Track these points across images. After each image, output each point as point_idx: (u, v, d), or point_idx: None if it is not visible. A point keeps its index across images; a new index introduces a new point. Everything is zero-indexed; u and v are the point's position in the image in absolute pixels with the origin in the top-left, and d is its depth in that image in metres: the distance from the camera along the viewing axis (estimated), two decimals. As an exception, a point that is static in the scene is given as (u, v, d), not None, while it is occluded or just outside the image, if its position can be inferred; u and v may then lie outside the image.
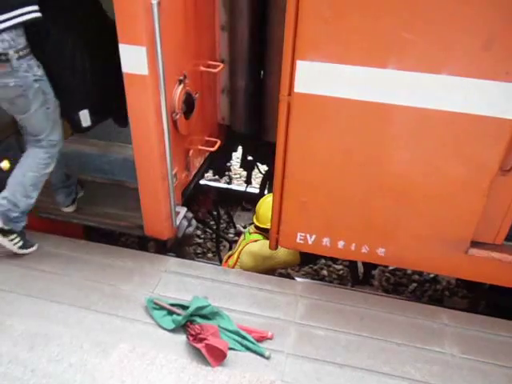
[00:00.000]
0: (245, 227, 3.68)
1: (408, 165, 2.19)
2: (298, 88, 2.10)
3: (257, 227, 3.31)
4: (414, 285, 4.21)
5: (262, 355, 2.14)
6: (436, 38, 1.87)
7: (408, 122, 2.08)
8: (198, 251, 4.60)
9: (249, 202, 4.91)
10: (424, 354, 2.21)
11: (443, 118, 2.01)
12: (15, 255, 2.66)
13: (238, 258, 3.21)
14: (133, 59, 2.17)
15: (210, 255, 4.58)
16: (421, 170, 2.18)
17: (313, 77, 2.06)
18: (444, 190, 2.20)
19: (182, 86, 2.51)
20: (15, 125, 3.26)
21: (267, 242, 3.01)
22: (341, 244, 2.48)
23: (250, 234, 3.34)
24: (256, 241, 3.22)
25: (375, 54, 1.97)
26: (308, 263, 4.08)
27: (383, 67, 1.97)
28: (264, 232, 3.25)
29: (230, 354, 2.10)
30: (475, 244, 2.32)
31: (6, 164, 3.14)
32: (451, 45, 1.87)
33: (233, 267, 3.21)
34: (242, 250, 3.23)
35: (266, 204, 3.28)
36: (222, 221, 4.74)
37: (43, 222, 3.00)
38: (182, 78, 2.51)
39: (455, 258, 2.36)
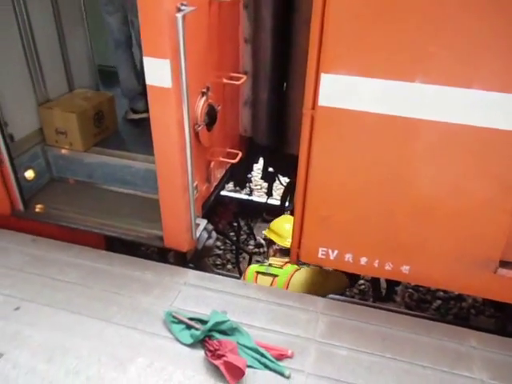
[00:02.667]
0: (265, 239, 3.63)
1: (433, 181, 2.13)
2: (322, 102, 2.07)
3: (269, 240, 3.34)
4: (439, 302, 4.09)
5: (281, 374, 2.08)
6: (464, 51, 1.82)
7: (434, 137, 2.03)
8: (218, 262, 4.58)
9: (269, 213, 4.87)
10: (451, 379, 2.12)
11: (470, 133, 1.95)
12: (37, 264, 2.67)
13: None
14: (157, 72, 2.18)
15: (229, 266, 4.55)
16: (446, 186, 2.11)
17: (337, 90, 2.03)
18: (470, 208, 2.12)
19: (204, 98, 2.51)
20: (41, 134, 3.34)
21: (314, 269, 3.04)
22: (363, 260, 2.42)
23: (281, 268, 3.14)
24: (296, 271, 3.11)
25: (401, 67, 1.93)
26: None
27: (409, 81, 1.93)
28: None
29: (248, 372, 2.05)
30: (505, 264, 2.23)
31: (30, 173, 3.20)
32: (480, 58, 1.81)
33: None
34: (285, 283, 3.07)
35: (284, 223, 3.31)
36: (242, 232, 4.71)
37: (65, 232, 3.02)
38: (205, 90, 2.51)
39: (483, 277, 2.27)
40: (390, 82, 1.95)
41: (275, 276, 3.08)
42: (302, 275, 3.06)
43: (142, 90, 3.85)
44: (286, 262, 3.16)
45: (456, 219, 2.16)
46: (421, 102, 1.96)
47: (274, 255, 3.34)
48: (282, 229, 3.31)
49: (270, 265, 3.19)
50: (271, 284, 3.06)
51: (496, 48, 1.78)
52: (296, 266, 3.11)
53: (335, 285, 3.11)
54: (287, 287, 3.01)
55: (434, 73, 1.89)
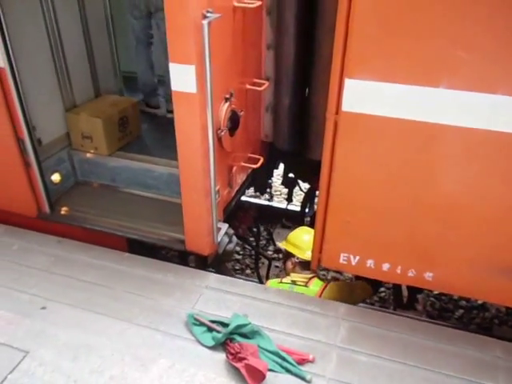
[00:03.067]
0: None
1: (456, 187, 2.11)
2: (346, 107, 2.07)
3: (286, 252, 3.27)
4: (461, 311, 4.02)
5: (303, 378, 2.08)
6: (490, 56, 1.81)
7: (459, 143, 2.01)
8: (237, 267, 4.59)
9: (289, 219, 4.87)
10: (476, 389, 2.09)
11: (495, 139, 1.92)
12: (62, 265, 2.73)
13: None
14: (182, 77, 2.22)
15: (248, 271, 4.56)
16: (469, 192, 2.09)
17: (361, 95, 2.03)
18: (496, 214, 2.09)
19: (228, 103, 2.54)
20: (67, 139, 3.42)
21: (340, 283, 3.05)
22: (386, 266, 2.40)
23: (305, 285, 3.06)
24: (325, 286, 3.05)
25: (425, 72, 1.92)
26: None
27: (434, 86, 1.92)
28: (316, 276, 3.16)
29: (269, 375, 2.06)
30: (531, 272, 2.19)
31: (57, 177, 3.28)
32: (506, 63, 1.80)
33: None
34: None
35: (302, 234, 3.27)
36: (261, 238, 4.72)
37: (88, 234, 3.08)
38: (228, 95, 2.55)
39: (508, 285, 2.23)
40: (413, 87, 1.95)
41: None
42: (330, 293, 2.98)
43: (157, 87, 4.09)
44: (311, 278, 3.10)
45: (481, 225, 2.14)
46: (445, 107, 1.95)
47: (293, 268, 3.24)
48: (301, 240, 3.23)
49: (293, 282, 3.09)
50: None
51: (523, 52, 1.77)
52: (321, 283, 3.06)
53: (361, 295, 3.09)
54: None
55: (458, 78, 1.88)
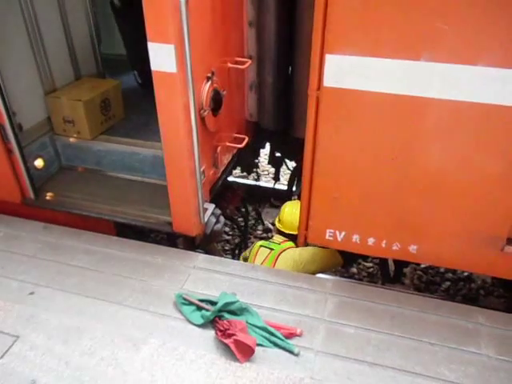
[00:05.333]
0: (273, 224, 3.64)
1: (441, 160, 2.12)
2: (327, 82, 2.07)
3: (283, 233, 3.28)
4: (448, 283, 4.10)
5: (291, 352, 2.12)
6: (471, 27, 1.80)
7: (442, 116, 2.02)
8: (226, 248, 4.62)
9: (277, 198, 4.89)
10: (459, 355, 2.14)
11: (479, 110, 1.94)
12: (49, 251, 2.73)
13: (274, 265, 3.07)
14: (161, 57, 2.19)
15: (238, 252, 4.59)
16: (455, 165, 2.11)
17: (342, 71, 2.02)
18: (479, 186, 2.12)
19: (209, 83, 2.52)
20: (49, 124, 3.37)
21: (308, 247, 2.99)
22: (371, 241, 2.43)
23: (279, 243, 3.21)
24: (290, 247, 3.14)
25: (407, 45, 1.91)
26: (351, 263, 3.98)
27: (416, 59, 1.92)
28: (290, 238, 3.22)
29: (258, 350, 2.10)
30: (512, 241, 2.24)
31: (40, 162, 3.24)
32: (488, 34, 1.79)
33: None
34: (275, 256, 3.10)
35: (289, 209, 3.28)
36: (250, 217, 4.74)
37: (75, 219, 3.07)
38: (210, 75, 2.52)
39: (490, 255, 2.28)
40: (395, 60, 1.94)
41: (272, 250, 3.14)
42: (294, 252, 3.07)
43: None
44: (286, 240, 3.22)
45: (464, 197, 2.16)
46: (428, 80, 1.95)
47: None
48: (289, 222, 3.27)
49: (271, 237, 3.27)
50: (266, 257, 3.11)
51: (503, 24, 1.76)
52: (293, 245, 3.16)
53: (326, 262, 3.06)
54: (276, 261, 3.05)
55: (440, 50, 1.87)
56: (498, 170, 2.04)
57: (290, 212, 3.29)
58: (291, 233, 3.21)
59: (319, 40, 1.99)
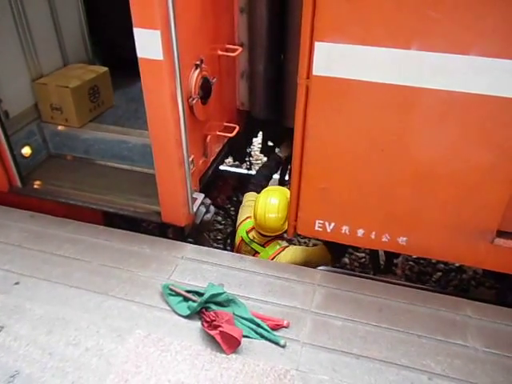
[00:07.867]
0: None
1: (432, 151, 2.09)
2: (317, 71, 2.02)
3: (264, 235, 2.95)
4: (439, 274, 4.11)
5: (277, 343, 2.11)
6: (464, 16, 1.76)
7: (432, 106, 1.98)
8: (219, 237, 4.60)
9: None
10: (445, 347, 2.14)
11: (470, 101, 1.90)
12: (35, 240, 2.69)
13: None
14: (147, 44, 2.13)
15: (229, 241, 4.57)
16: (445, 156, 2.08)
17: (332, 59, 1.98)
18: (469, 178, 2.10)
19: (198, 70, 2.47)
20: (36, 111, 3.31)
21: (297, 249, 2.93)
22: (360, 232, 2.41)
23: (262, 245, 2.97)
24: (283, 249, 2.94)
25: (398, 34, 1.87)
26: (340, 258, 3.90)
27: (407, 48, 1.87)
28: (277, 238, 2.98)
29: (244, 341, 2.08)
30: (501, 233, 2.22)
31: (27, 150, 3.20)
32: (480, 23, 1.75)
33: None
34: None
35: (261, 205, 2.86)
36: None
37: (62, 208, 3.03)
38: (198, 62, 2.47)
39: (480, 247, 2.26)
40: (386, 49, 1.90)
41: (256, 252, 2.98)
42: (286, 256, 2.89)
43: None
44: (269, 241, 2.97)
45: (454, 189, 2.14)
46: (419, 69, 1.91)
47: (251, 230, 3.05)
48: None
49: (253, 238, 2.99)
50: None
51: (496, 12, 1.72)
52: (276, 247, 2.94)
53: (318, 261, 2.94)
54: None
55: (431, 39, 1.83)
56: (489, 161, 2.02)
57: (263, 205, 2.87)
58: (267, 234, 2.94)
59: (308, 27, 1.95)
